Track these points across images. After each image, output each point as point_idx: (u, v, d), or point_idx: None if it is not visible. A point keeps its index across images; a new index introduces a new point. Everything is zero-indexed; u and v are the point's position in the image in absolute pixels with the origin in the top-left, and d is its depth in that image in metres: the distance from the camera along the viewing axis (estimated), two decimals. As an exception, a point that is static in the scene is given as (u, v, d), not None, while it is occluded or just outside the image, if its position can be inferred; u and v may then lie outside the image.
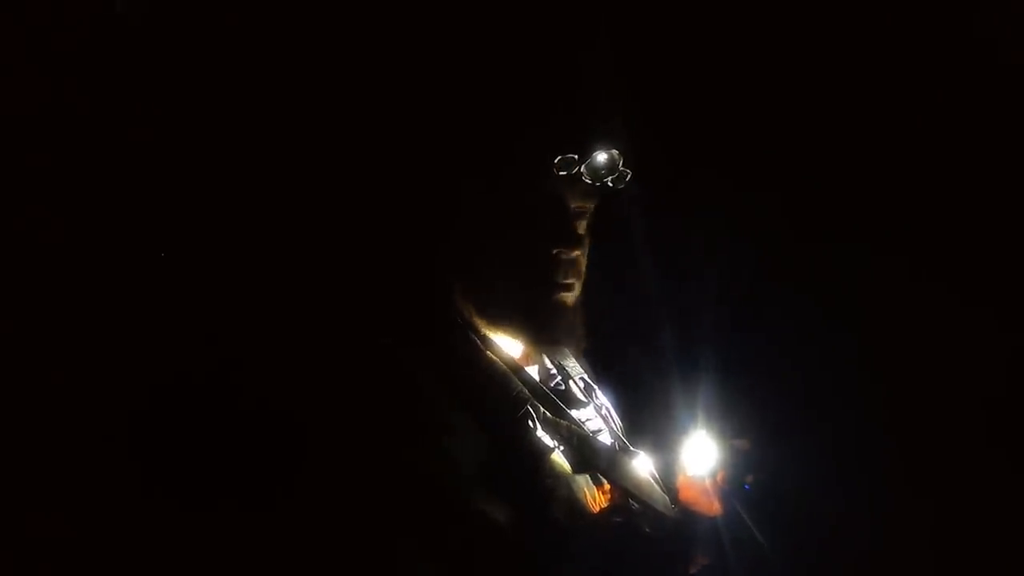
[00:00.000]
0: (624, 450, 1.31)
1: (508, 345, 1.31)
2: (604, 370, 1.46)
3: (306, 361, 1.22)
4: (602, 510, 1.20)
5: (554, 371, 1.39)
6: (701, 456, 1.35)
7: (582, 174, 1.20)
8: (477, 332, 1.26)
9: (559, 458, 1.19)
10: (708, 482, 1.33)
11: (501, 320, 1.27)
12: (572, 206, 1.24)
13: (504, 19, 1.39)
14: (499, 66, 1.31)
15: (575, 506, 1.15)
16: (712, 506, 1.31)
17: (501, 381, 1.19)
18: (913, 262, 1.62)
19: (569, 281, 1.26)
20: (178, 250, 1.43)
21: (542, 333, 1.27)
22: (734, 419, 1.38)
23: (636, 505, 1.22)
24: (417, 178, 1.32)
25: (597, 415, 1.36)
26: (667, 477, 1.35)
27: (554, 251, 1.23)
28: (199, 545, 1.20)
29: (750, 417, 1.38)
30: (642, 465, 1.31)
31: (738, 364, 1.53)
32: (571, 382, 1.40)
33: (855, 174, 1.67)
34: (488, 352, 1.23)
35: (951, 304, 1.60)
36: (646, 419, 1.46)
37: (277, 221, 1.48)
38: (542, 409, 1.20)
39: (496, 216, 1.23)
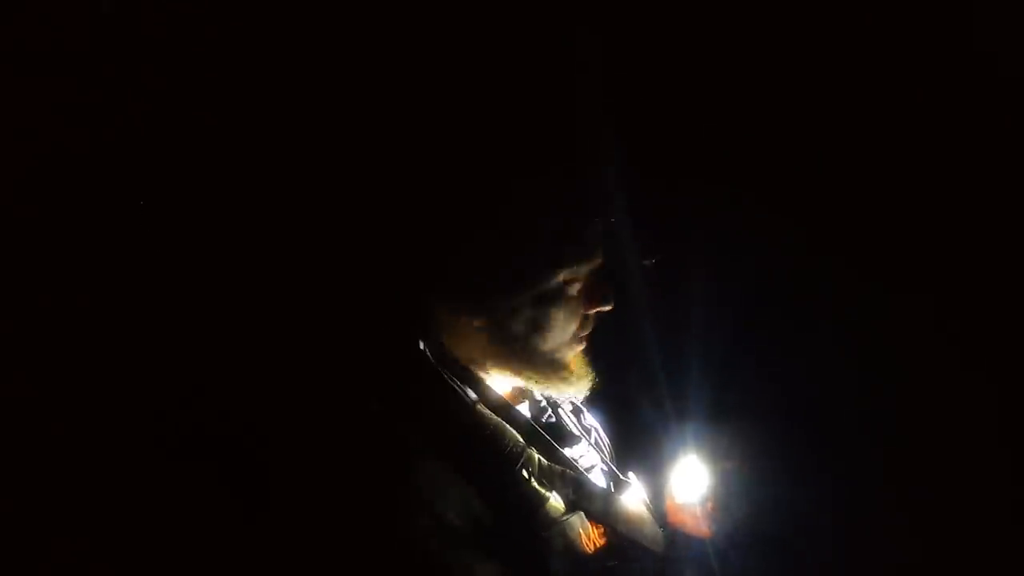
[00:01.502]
0: (617, 486, 1.31)
1: (499, 383, 1.28)
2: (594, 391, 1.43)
3: (293, 425, 1.17)
4: (597, 550, 1.19)
5: (543, 403, 1.37)
6: (691, 482, 1.36)
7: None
8: (468, 378, 1.23)
9: (555, 502, 1.18)
10: (698, 508, 1.34)
11: (518, 374, 1.24)
12: (600, 261, 1.22)
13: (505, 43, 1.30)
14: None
15: (571, 553, 1.16)
16: (701, 531, 1.33)
17: (493, 437, 1.17)
18: (908, 287, 1.61)
19: (591, 331, 1.26)
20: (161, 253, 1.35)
21: (566, 387, 1.26)
22: (726, 442, 1.38)
23: (629, 543, 1.22)
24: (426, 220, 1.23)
25: (589, 447, 1.35)
26: (658, 501, 1.36)
27: (590, 311, 1.23)
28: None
29: (742, 440, 1.37)
30: (633, 495, 1.31)
31: (731, 386, 1.52)
32: (560, 411, 1.39)
33: (845, 202, 1.64)
34: (478, 406, 1.20)
35: (945, 324, 1.60)
36: (637, 438, 1.46)
37: (266, 257, 1.40)
38: (536, 458, 1.18)
39: (534, 282, 1.18)
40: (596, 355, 1.37)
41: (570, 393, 1.29)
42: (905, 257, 1.62)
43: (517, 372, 1.25)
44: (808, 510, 1.48)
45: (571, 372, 1.25)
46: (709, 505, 1.34)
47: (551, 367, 1.23)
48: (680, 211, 1.57)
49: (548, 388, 1.26)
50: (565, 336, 1.23)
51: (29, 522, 1.19)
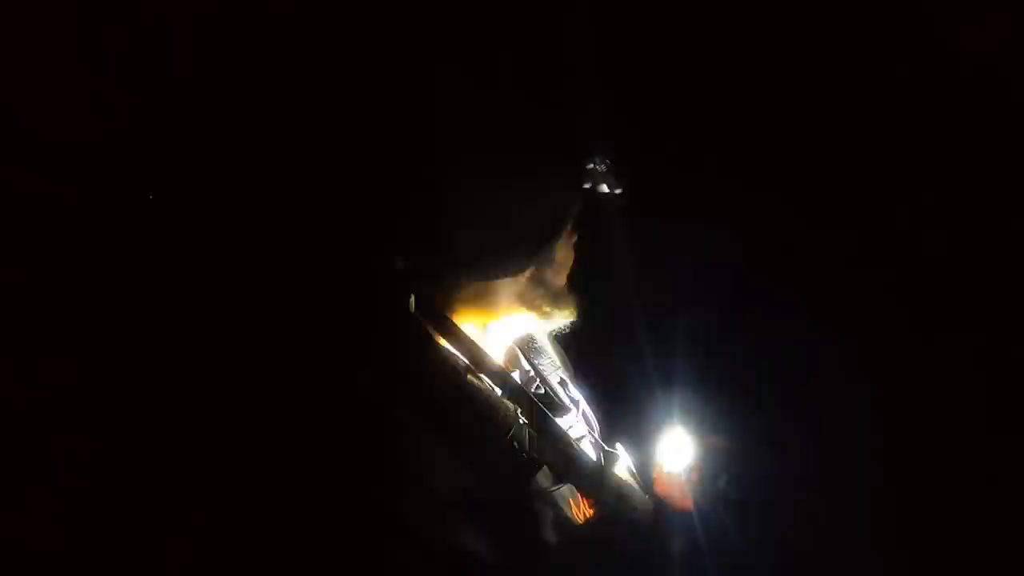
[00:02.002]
0: (606, 457, 1.32)
1: (494, 347, 1.28)
2: (583, 363, 1.43)
3: (282, 395, 1.14)
4: (587, 520, 1.20)
5: (532, 374, 1.37)
6: (677, 452, 1.37)
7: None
8: (464, 342, 1.21)
9: (545, 473, 1.18)
10: (683, 478, 1.36)
11: (527, 301, 1.27)
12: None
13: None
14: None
15: (562, 523, 1.16)
16: (686, 501, 1.34)
17: (485, 406, 1.16)
18: (894, 259, 1.63)
19: None
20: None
21: (556, 311, 1.30)
22: (711, 414, 1.40)
23: (618, 514, 1.23)
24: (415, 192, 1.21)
25: (578, 418, 1.36)
26: (644, 472, 1.38)
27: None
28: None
29: (727, 412, 1.39)
30: (621, 467, 1.32)
31: (717, 359, 1.53)
32: (548, 381, 1.39)
33: (838, 170, 1.65)
34: (471, 373, 1.19)
35: (934, 298, 1.62)
36: (624, 409, 1.47)
37: (252, 235, 1.36)
38: (527, 428, 1.19)
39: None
40: (585, 326, 1.38)
41: (560, 318, 1.32)
42: (898, 234, 1.64)
43: (531, 303, 1.28)
44: (792, 480, 1.50)
45: (564, 298, 1.29)
46: (694, 475, 1.36)
47: (555, 294, 1.28)
48: (669, 185, 1.56)
49: (550, 314, 1.29)
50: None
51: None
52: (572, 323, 1.35)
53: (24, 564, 1.10)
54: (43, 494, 1.14)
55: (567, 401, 1.38)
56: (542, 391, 1.36)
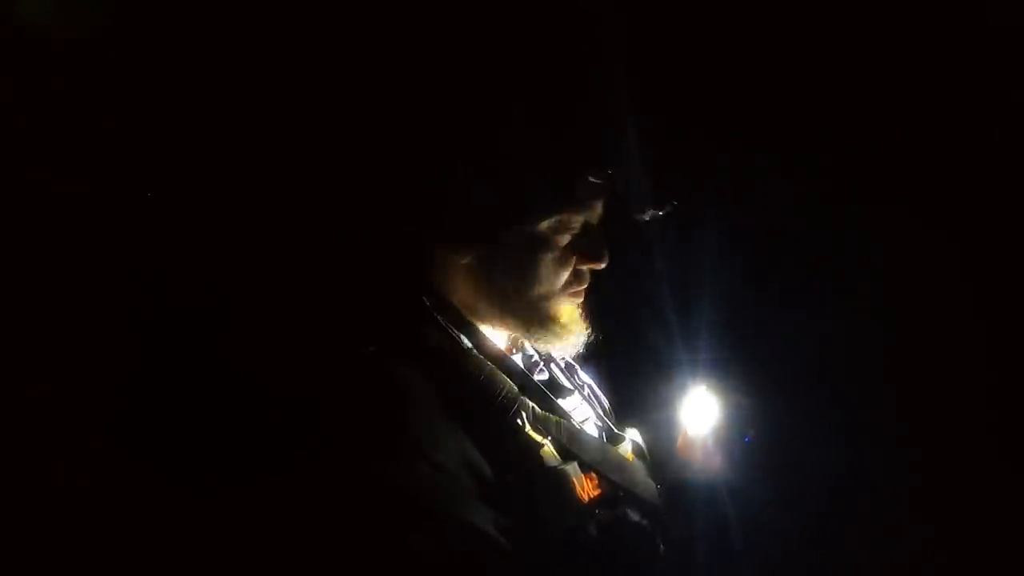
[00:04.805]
0: (611, 438, 1.28)
1: (494, 334, 1.26)
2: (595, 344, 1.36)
3: (290, 370, 1.16)
4: (592, 500, 1.18)
5: (536, 357, 1.33)
6: (701, 413, 1.31)
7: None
8: (463, 324, 1.21)
9: (548, 451, 1.16)
10: (709, 439, 1.30)
11: (507, 321, 1.23)
12: (597, 216, 1.20)
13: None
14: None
15: (566, 501, 1.14)
16: (712, 463, 1.30)
17: (487, 384, 1.15)
18: (923, 222, 1.51)
19: (585, 287, 1.24)
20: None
21: (556, 340, 1.24)
22: (735, 374, 1.32)
23: (623, 493, 1.20)
24: (414, 176, 1.20)
25: (582, 401, 1.34)
26: (655, 450, 1.33)
27: (582, 266, 1.21)
28: (166, 553, 1.23)
29: (751, 371, 1.31)
30: (629, 447, 1.28)
31: (740, 320, 1.44)
32: (552, 366, 1.37)
33: (875, 124, 1.54)
34: (473, 352, 1.18)
35: (956, 265, 1.53)
36: (638, 387, 1.42)
37: (258, 222, 1.36)
38: (530, 404, 1.17)
39: (520, 223, 1.16)
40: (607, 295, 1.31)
41: (559, 347, 1.27)
42: (924, 200, 1.55)
43: (503, 319, 1.24)
44: (818, 445, 1.43)
45: (561, 326, 1.22)
46: (719, 438, 1.31)
47: (537, 317, 1.22)
48: (692, 148, 1.44)
49: (536, 339, 1.25)
50: (552, 287, 1.21)
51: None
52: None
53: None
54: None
55: (571, 385, 1.36)
56: (545, 375, 1.34)
